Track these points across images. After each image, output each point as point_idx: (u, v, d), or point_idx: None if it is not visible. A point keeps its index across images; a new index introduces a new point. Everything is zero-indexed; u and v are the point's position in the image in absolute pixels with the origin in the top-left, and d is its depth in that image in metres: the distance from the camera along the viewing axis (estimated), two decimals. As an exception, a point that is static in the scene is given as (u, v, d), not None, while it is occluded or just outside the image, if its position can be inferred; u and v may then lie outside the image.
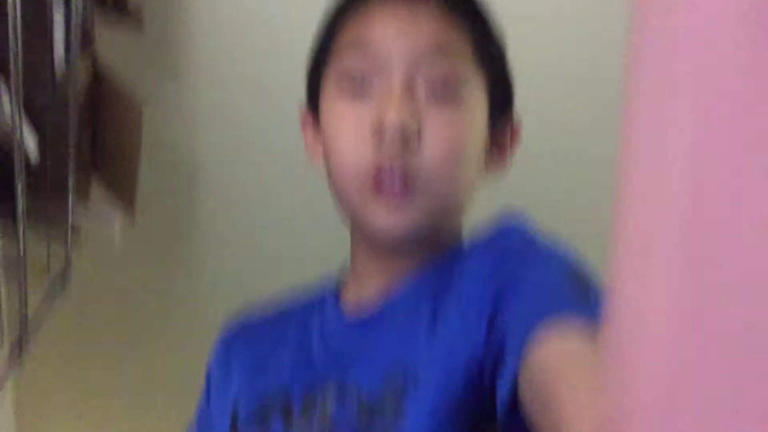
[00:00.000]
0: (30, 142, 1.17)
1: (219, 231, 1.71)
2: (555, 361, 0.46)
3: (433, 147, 0.59)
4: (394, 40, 0.61)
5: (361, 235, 0.65)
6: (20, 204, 1.12)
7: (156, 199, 1.59)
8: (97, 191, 1.45)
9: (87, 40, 1.14)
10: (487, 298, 0.55)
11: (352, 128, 0.61)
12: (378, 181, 0.59)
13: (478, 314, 0.55)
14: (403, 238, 0.61)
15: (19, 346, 1.33)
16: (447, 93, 0.60)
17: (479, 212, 0.67)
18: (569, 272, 0.54)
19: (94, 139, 1.39)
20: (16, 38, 0.97)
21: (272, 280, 1.24)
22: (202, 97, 1.50)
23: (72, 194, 1.29)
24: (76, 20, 1.03)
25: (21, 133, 1.10)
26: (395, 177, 0.59)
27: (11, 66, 1.01)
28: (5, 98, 1.08)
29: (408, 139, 0.58)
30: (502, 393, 0.50)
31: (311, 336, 0.67)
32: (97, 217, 1.37)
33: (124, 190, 1.40)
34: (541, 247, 0.59)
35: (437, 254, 0.64)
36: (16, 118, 1.07)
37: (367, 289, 0.65)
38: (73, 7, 1.04)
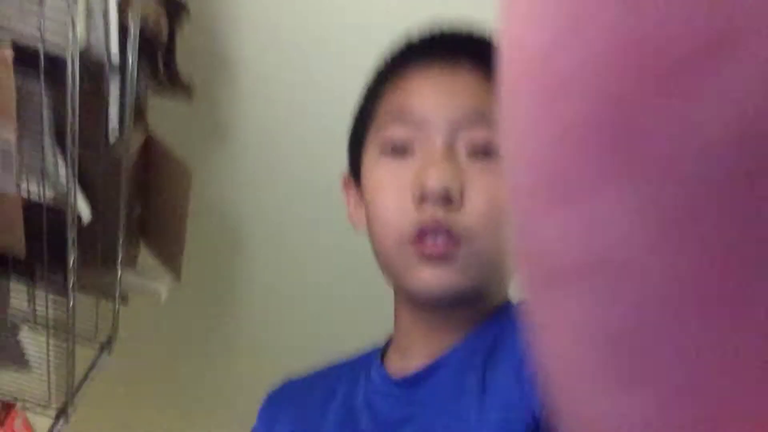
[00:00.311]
0: (83, 205, 1.19)
1: (262, 296, 1.71)
2: None
3: (475, 205, 0.59)
4: (434, 106, 0.61)
5: (405, 297, 0.64)
6: (71, 274, 1.14)
7: (202, 262, 1.60)
8: (144, 255, 1.46)
9: (140, 110, 1.17)
10: None
11: (394, 190, 0.61)
12: (421, 239, 0.59)
13: (532, 378, 0.52)
14: (447, 297, 0.60)
15: (65, 412, 1.33)
16: (487, 154, 0.60)
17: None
18: None
19: (144, 205, 1.42)
20: (73, 109, 1.00)
21: (313, 348, 1.23)
22: (249, 162, 1.53)
23: (121, 262, 1.31)
24: (130, 92, 1.06)
25: (75, 199, 1.12)
26: (438, 234, 0.58)
27: (67, 136, 1.04)
28: (61, 166, 1.11)
29: (450, 199, 0.58)
30: None
31: (357, 401, 0.65)
32: (144, 283, 1.38)
33: (171, 254, 1.41)
34: None
35: (484, 317, 0.63)
36: (71, 185, 1.09)
37: (413, 354, 0.64)
38: (128, 80, 1.07)
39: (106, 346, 1.42)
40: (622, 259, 0.12)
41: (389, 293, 0.68)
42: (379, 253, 0.63)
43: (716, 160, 0.10)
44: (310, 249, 1.62)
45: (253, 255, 1.66)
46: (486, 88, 0.62)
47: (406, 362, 0.64)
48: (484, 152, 0.60)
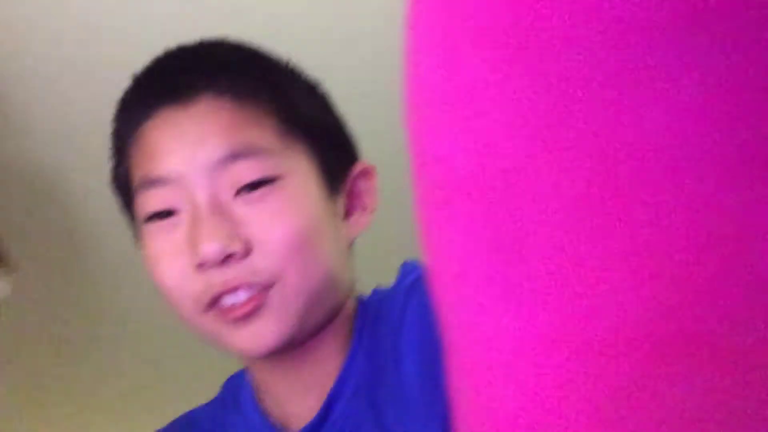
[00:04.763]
0: None
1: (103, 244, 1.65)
2: None
3: (266, 242, 0.53)
4: (181, 159, 0.54)
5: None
6: None
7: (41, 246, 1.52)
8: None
9: None
10: (433, 367, 0.49)
11: (170, 258, 0.55)
12: (222, 308, 0.53)
13: (432, 395, 0.50)
14: (278, 346, 0.54)
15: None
16: (260, 187, 0.54)
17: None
18: None
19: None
20: None
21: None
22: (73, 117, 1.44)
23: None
24: None
25: None
26: (238, 295, 0.53)
27: None
28: None
29: (234, 255, 0.53)
30: None
31: None
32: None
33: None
34: None
35: (346, 326, 0.58)
36: None
37: (293, 399, 0.58)
38: None
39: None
40: (508, 172, 0.14)
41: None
42: (186, 323, 0.57)
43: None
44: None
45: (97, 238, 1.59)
46: (240, 115, 0.55)
47: (286, 409, 0.58)
48: (255, 185, 0.54)
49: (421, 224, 0.16)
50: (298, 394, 0.58)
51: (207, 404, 0.64)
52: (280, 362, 0.57)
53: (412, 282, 0.55)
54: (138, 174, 0.56)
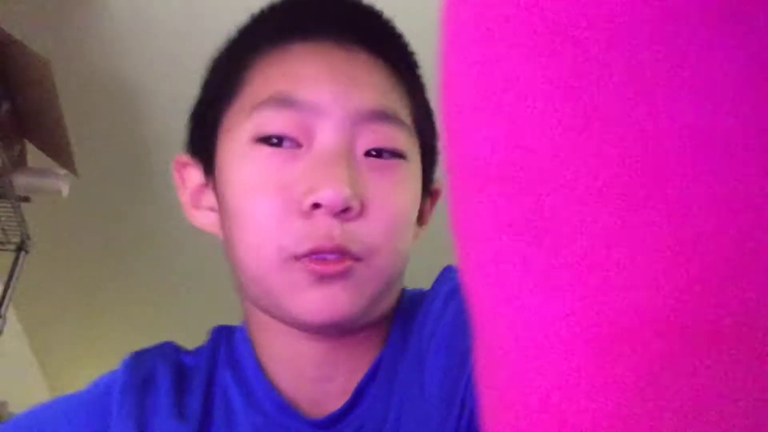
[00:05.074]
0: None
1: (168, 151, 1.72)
2: None
3: (378, 216, 0.50)
4: (332, 94, 0.50)
5: (282, 322, 0.52)
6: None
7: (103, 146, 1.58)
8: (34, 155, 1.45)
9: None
10: (456, 381, 0.46)
11: (273, 191, 0.49)
12: (314, 261, 0.48)
13: (447, 409, 0.47)
14: (336, 322, 0.50)
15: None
16: (388, 159, 0.51)
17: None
18: None
19: (13, 102, 1.38)
20: None
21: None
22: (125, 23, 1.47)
23: (5, 163, 1.30)
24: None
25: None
26: (334, 252, 0.48)
27: None
28: None
29: (348, 211, 0.49)
30: None
31: None
32: (39, 181, 1.38)
33: (58, 148, 1.40)
34: None
35: (382, 335, 0.55)
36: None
37: (310, 386, 0.54)
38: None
39: (22, 246, 1.44)
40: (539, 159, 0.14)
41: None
42: (246, 270, 0.51)
43: None
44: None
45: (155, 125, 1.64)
46: (390, 82, 0.53)
47: (300, 390, 0.54)
48: (385, 155, 0.51)
49: (454, 215, 0.17)
50: (324, 380, 0.54)
51: (196, 353, 0.59)
52: (323, 342, 0.53)
53: (452, 289, 0.51)
54: (269, 89, 0.51)
